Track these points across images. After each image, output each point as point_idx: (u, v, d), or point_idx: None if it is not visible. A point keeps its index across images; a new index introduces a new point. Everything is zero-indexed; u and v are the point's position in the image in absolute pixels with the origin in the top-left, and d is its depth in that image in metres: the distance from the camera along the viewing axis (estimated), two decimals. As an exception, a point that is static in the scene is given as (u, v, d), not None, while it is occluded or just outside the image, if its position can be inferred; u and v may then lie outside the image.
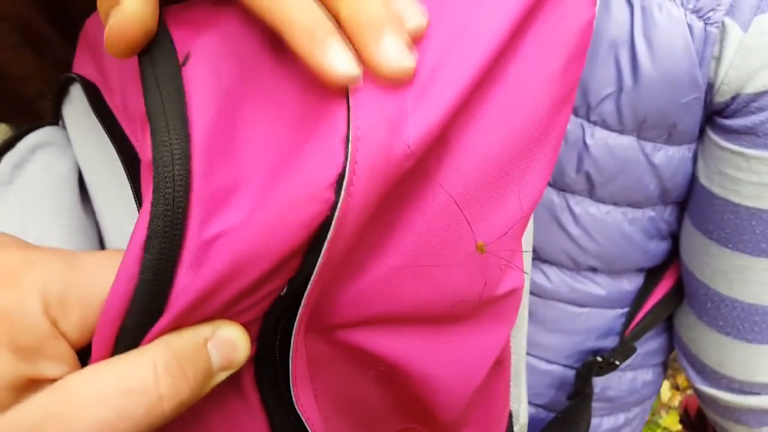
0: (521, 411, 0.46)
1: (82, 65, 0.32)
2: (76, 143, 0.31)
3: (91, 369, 0.22)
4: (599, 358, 0.58)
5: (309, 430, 0.28)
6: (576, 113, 0.46)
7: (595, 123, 0.46)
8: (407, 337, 0.29)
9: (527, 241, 0.36)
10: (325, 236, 0.24)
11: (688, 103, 0.43)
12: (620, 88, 0.43)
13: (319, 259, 0.24)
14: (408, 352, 0.29)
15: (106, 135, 0.28)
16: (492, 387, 0.36)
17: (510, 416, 0.43)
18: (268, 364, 0.27)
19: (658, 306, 0.58)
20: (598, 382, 0.61)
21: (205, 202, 0.23)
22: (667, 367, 0.68)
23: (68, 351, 0.22)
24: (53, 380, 0.21)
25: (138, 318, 0.22)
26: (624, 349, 0.58)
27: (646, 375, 0.64)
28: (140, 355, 0.22)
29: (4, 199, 0.30)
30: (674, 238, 0.56)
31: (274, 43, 0.26)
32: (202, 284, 0.23)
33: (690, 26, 0.40)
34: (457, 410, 0.32)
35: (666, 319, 0.62)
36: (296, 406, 0.27)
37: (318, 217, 0.24)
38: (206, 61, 0.25)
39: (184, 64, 0.25)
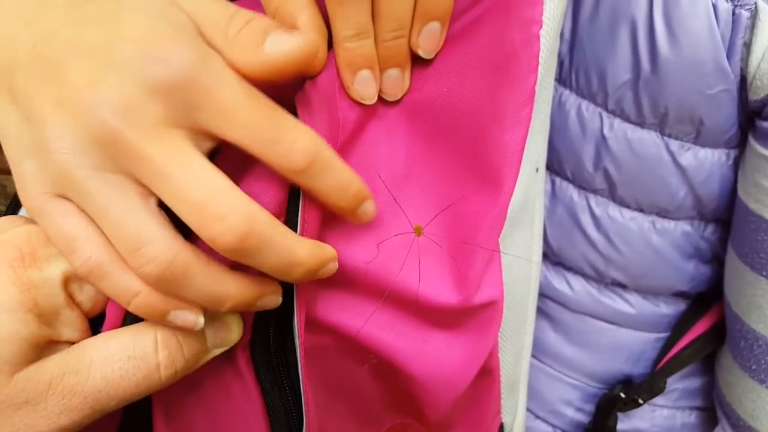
0: (516, 425, 0.44)
1: None
2: None
3: (102, 336, 0.26)
4: (622, 394, 0.52)
5: (305, 413, 0.30)
6: (594, 100, 0.42)
7: (613, 113, 0.41)
8: (396, 332, 0.31)
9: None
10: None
11: (716, 96, 0.37)
12: (638, 74, 0.39)
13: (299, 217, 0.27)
14: (396, 347, 0.31)
15: None
16: (478, 394, 0.37)
17: (501, 428, 0.42)
18: (263, 349, 0.30)
19: (700, 339, 0.51)
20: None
21: None
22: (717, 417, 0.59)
23: (81, 318, 0.27)
24: (68, 342, 0.26)
25: None
26: (651, 386, 0.52)
27: (688, 417, 0.57)
28: (144, 328, 0.26)
29: None
30: (723, 263, 0.49)
31: None
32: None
33: (714, 6, 0.35)
34: (442, 410, 0.34)
35: (711, 358, 0.54)
36: (301, 388, 0.30)
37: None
38: None
39: None
